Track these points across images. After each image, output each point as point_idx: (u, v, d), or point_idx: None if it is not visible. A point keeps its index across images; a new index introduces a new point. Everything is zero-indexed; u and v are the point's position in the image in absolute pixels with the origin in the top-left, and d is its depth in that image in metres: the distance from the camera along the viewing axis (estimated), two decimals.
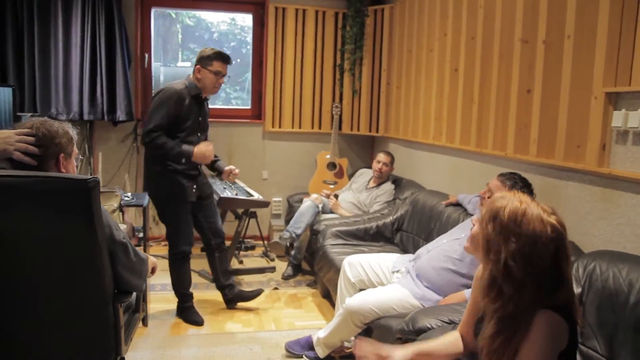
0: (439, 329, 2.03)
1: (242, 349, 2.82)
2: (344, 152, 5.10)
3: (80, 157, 1.91)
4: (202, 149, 2.97)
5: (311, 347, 2.72)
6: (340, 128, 4.92)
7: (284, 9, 4.78)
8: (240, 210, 4.20)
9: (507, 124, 2.85)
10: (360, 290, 2.71)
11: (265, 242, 4.61)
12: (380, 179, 4.14)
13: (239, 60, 5.43)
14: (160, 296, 3.52)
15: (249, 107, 5.07)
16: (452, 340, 1.64)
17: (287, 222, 4.60)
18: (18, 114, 4.02)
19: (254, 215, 4.21)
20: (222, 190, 3.89)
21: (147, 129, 2.86)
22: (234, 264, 4.24)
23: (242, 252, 4.58)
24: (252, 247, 4.71)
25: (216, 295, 3.51)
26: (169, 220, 3.05)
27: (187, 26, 5.70)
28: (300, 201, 4.56)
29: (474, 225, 1.50)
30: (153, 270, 2.05)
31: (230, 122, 4.83)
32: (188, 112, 2.95)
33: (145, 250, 3.27)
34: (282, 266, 4.20)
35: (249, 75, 5.27)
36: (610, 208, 2.19)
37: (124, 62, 4.29)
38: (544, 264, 1.28)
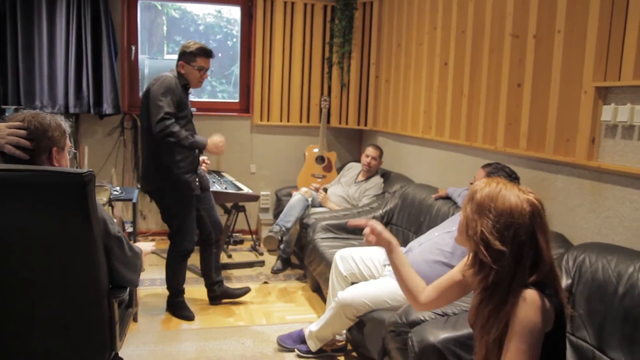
0: (433, 321, 2.05)
1: (234, 344, 2.82)
2: (332, 145, 5.10)
3: (73, 150, 1.87)
4: (216, 140, 2.94)
5: (303, 341, 2.73)
6: (328, 121, 4.92)
7: (272, 2, 4.75)
8: (229, 205, 4.19)
9: (497, 118, 2.88)
10: (352, 283, 2.72)
11: (254, 236, 4.60)
12: (369, 173, 4.16)
13: (220, 55, 5.38)
14: (149, 291, 3.50)
15: (237, 100, 5.04)
16: (419, 284, 1.70)
17: (276, 216, 4.60)
18: (1, 107, 3.95)
19: (242, 209, 4.20)
20: (212, 184, 3.87)
21: (159, 117, 2.74)
22: (223, 258, 4.22)
23: (230, 246, 4.56)
24: (241, 241, 4.70)
25: (204, 290, 3.49)
26: (177, 216, 2.99)
27: (173, 18, 5.63)
28: (289, 195, 4.56)
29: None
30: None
31: (218, 116, 4.80)
32: (184, 102, 2.95)
33: None
34: (270, 260, 4.20)
35: (235, 68, 5.23)
36: (599, 201, 2.23)
37: (110, 54, 4.23)
38: (521, 236, 1.32)
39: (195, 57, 2.94)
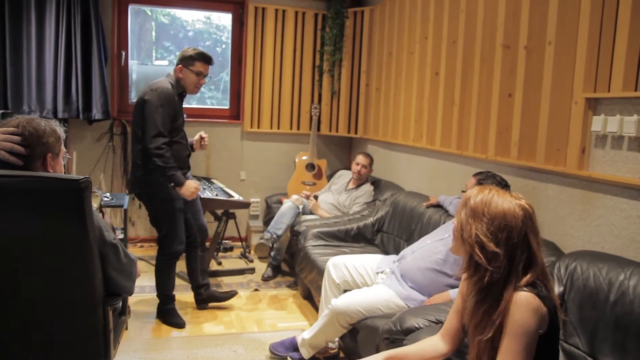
0: (427, 329, 2.06)
1: (226, 351, 2.80)
2: (322, 153, 5.12)
3: (68, 156, 1.86)
4: (191, 185, 2.94)
5: (295, 348, 2.72)
6: (318, 129, 4.94)
7: (263, 9, 4.77)
8: (219, 211, 4.17)
9: (488, 127, 2.92)
10: (345, 291, 2.72)
11: (244, 243, 4.58)
12: (360, 181, 4.18)
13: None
14: (139, 298, 3.46)
15: (226, 107, 5.03)
16: (429, 344, 1.67)
17: (266, 223, 4.59)
18: None
19: (232, 216, 4.18)
20: (202, 191, 3.86)
21: (154, 134, 2.78)
22: (213, 265, 4.20)
23: (220, 254, 4.54)
24: (231, 249, 4.68)
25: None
26: (165, 219, 3.00)
27: (162, 24, 5.61)
28: (279, 202, 4.56)
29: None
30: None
31: (209, 122, 4.79)
32: (179, 111, 2.97)
33: None
34: (261, 267, 4.18)
35: (224, 74, 5.23)
36: (589, 209, 2.27)
37: (100, 59, 4.20)
38: (514, 238, 1.37)
39: (194, 61, 2.96)
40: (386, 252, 3.45)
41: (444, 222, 3.02)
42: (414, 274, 2.54)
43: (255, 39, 4.78)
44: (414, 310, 2.23)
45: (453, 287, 2.43)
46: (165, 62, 5.24)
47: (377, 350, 2.22)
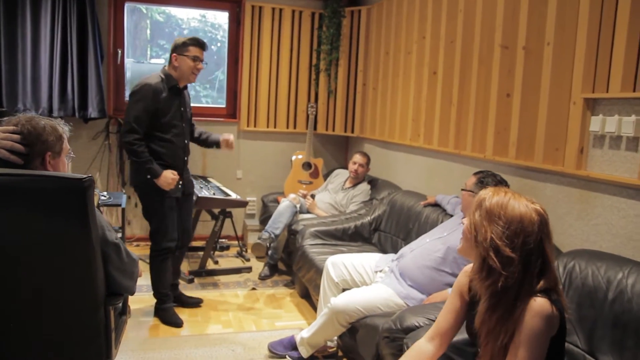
0: (427, 327, 2.07)
1: (224, 351, 2.80)
2: (318, 152, 5.12)
3: (73, 155, 1.85)
4: (168, 176, 2.92)
5: (294, 347, 2.73)
6: (315, 128, 4.94)
7: (260, 8, 4.76)
8: (216, 210, 4.16)
9: (486, 127, 2.93)
10: (344, 289, 2.73)
11: (240, 242, 4.58)
12: (357, 180, 4.18)
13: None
14: (136, 297, 3.44)
15: (223, 105, 5.02)
16: (415, 353, 1.64)
17: (262, 222, 4.59)
18: None
19: (229, 215, 4.17)
20: (199, 189, 3.85)
21: (126, 129, 2.86)
22: (210, 264, 4.19)
23: (217, 253, 4.53)
24: (227, 247, 4.67)
25: (194, 296, 3.47)
26: (154, 214, 3.00)
27: (157, 22, 5.59)
28: (275, 201, 4.56)
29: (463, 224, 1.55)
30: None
31: (205, 121, 4.77)
32: (167, 106, 2.93)
33: None
34: (257, 266, 4.18)
35: (219, 73, 5.21)
36: (587, 209, 2.29)
37: (96, 57, 4.18)
38: (530, 243, 1.35)
39: (188, 46, 2.95)
40: (384, 251, 3.46)
41: (441, 221, 3.03)
42: (413, 272, 2.55)
43: (252, 37, 4.78)
44: (413, 309, 2.24)
45: (452, 285, 2.44)
46: (161, 61, 5.22)
47: (377, 348, 2.23)
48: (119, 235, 3.40)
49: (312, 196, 4.24)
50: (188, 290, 3.62)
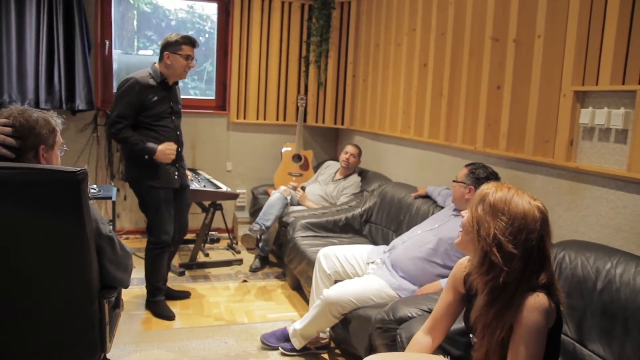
0: (420, 318, 2.09)
1: (217, 343, 2.81)
2: (308, 144, 5.12)
3: (65, 147, 1.83)
4: (163, 148, 2.91)
5: (287, 339, 2.74)
6: (305, 120, 4.93)
7: None
8: (206, 203, 4.15)
9: (476, 119, 2.95)
10: (336, 281, 2.75)
11: (231, 234, 4.57)
12: (348, 171, 4.19)
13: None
14: (127, 290, 3.42)
15: (212, 97, 4.99)
16: (418, 349, 1.67)
17: (252, 214, 4.59)
18: None
19: (219, 207, 4.16)
20: (190, 182, 3.83)
21: (110, 120, 2.88)
22: (200, 257, 4.18)
23: (207, 245, 4.52)
24: (217, 240, 4.67)
25: (185, 289, 3.47)
26: (151, 207, 2.99)
27: (144, 12, 5.52)
28: (265, 193, 4.56)
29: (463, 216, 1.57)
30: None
31: (195, 113, 4.74)
32: (154, 101, 2.93)
33: None
34: (248, 258, 4.19)
35: (207, 64, 5.17)
36: (577, 200, 2.32)
37: (83, 48, 4.12)
38: (532, 240, 1.36)
39: (181, 45, 2.96)
40: (374, 243, 3.48)
41: (432, 213, 3.05)
42: (404, 263, 2.57)
43: (241, 29, 4.74)
44: (406, 300, 2.27)
45: (443, 276, 2.47)
46: (150, 52, 5.16)
47: (370, 339, 2.25)
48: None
49: (303, 188, 4.24)
50: (179, 282, 3.61)
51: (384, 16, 4.16)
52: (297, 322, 2.72)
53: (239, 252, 4.39)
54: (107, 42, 4.46)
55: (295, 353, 2.71)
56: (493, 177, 2.57)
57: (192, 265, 3.95)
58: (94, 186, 3.22)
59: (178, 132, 3.08)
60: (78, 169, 1.48)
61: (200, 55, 5.26)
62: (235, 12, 4.69)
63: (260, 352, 2.73)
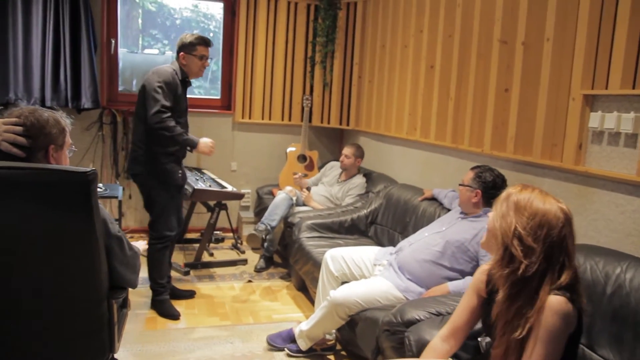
0: (428, 321, 2.09)
1: (223, 343, 2.80)
2: (313, 144, 5.11)
3: (74, 148, 1.83)
4: (207, 141, 3.03)
5: (293, 340, 2.74)
6: (310, 120, 4.93)
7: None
8: (212, 203, 4.15)
9: (484, 121, 2.94)
10: (343, 283, 2.74)
11: (236, 234, 4.57)
12: (347, 172, 4.17)
13: None
14: (131, 290, 3.43)
15: (218, 97, 4.99)
16: (434, 356, 1.67)
17: (257, 214, 4.58)
18: None
19: (224, 207, 4.16)
20: (195, 182, 3.83)
21: (155, 110, 2.83)
22: (205, 256, 4.18)
23: (211, 245, 4.52)
24: (222, 240, 4.66)
25: (190, 288, 3.47)
26: (158, 202, 3.01)
27: (149, 11, 5.52)
28: (270, 193, 4.56)
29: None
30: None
31: (200, 112, 4.74)
32: (181, 95, 3.00)
33: None
34: (253, 258, 4.18)
35: (212, 64, 5.17)
36: (586, 204, 2.31)
37: (89, 47, 4.12)
38: (553, 236, 1.39)
39: (196, 46, 3.01)
40: (380, 244, 3.48)
41: (438, 215, 3.05)
42: (411, 266, 2.57)
43: (247, 29, 4.74)
44: (413, 302, 2.26)
45: (450, 279, 2.47)
46: (155, 51, 5.16)
47: (378, 341, 2.25)
48: None
49: (308, 189, 4.24)
50: (184, 282, 3.61)
51: (390, 17, 4.15)
52: (304, 323, 2.72)
53: (243, 252, 4.39)
54: (113, 41, 4.46)
55: (301, 354, 2.71)
56: (499, 180, 2.56)
57: (197, 264, 3.95)
58: (101, 185, 3.22)
59: (187, 130, 3.11)
60: (88, 169, 1.48)
61: None
62: (241, 12, 4.69)
63: (266, 353, 2.73)
